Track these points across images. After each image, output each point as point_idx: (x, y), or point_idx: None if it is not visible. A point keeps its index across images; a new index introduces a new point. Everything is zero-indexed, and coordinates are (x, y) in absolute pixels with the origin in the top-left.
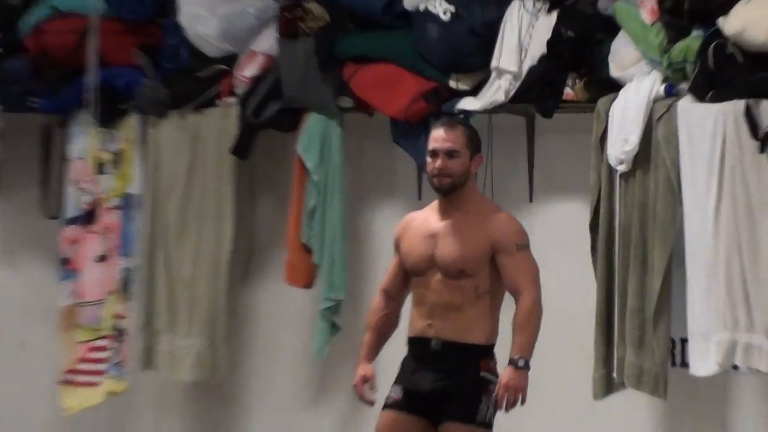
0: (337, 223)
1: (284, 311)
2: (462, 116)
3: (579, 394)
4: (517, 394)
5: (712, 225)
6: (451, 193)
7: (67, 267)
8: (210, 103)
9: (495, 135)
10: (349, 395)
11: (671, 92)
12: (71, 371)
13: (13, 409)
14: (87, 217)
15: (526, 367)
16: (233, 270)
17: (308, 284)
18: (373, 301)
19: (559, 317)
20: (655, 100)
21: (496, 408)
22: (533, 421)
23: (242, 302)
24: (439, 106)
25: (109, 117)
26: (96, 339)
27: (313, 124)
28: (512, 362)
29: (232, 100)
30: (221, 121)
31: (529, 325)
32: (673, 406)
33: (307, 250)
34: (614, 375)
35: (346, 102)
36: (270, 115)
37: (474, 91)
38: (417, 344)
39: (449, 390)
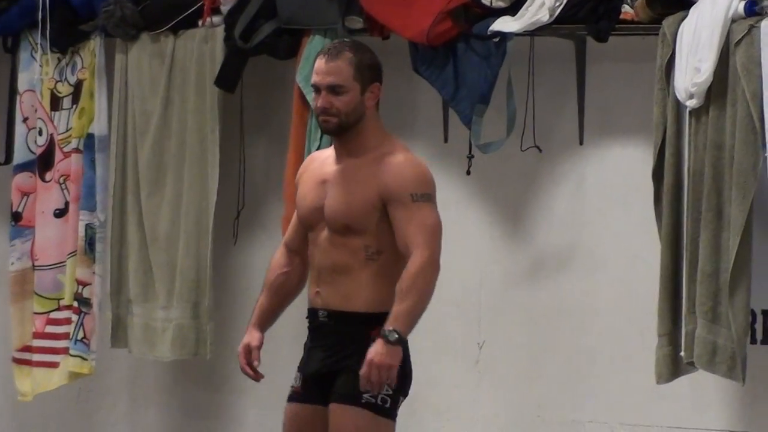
0: None
1: None
2: (496, 39)
3: (640, 375)
4: (383, 374)
5: None
6: (342, 134)
7: (18, 223)
8: (190, 24)
9: (537, 63)
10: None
11: (753, 10)
12: (26, 349)
13: None
14: (41, 163)
15: (400, 342)
16: (220, 227)
17: None
18: (273, 257)
19: (615, 283)
20: (734, 20)
21: (401, 390)
22: (588, 407)
23: (231, 266)
24: (468, 26)
25: (66, 40)
26: (54, 310)
27: (315, 49)
28: (382, 335)
29: (216, 19)
30: (203, 46)
31: (412, 292)
32: (753, 392)
33: None
34: (682, 353)
35: (356, 22)
36: (262, 38)
37: (512, 9)
38: (309, 316)
39: (338, 368)
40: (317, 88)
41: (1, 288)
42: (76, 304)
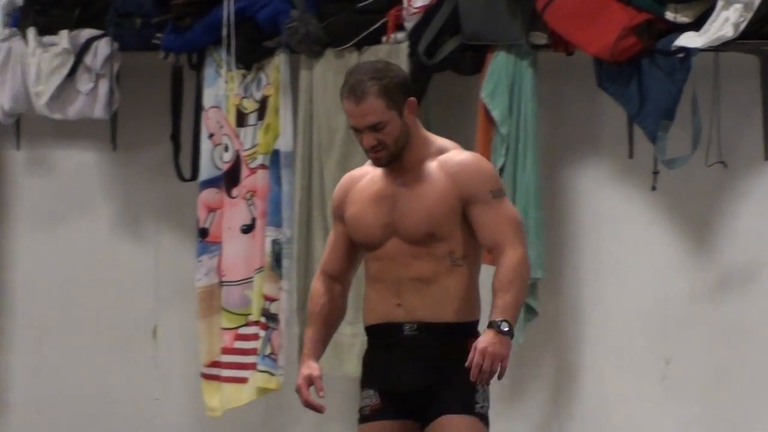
0: (532, 187)
1: None
2: (681, 55)
3: None
4: (495, 363)
5: None
6: (395, 160)
7: (205, 239)
8: (374, 40)
9: (722, 78)
10: (550, 394)
11: None
12: (214, 364)
13: (145, 408)
14: (228, 179)
15: (510, 333)
16: None
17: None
18: (312, 286)
19: None
20: None
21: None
22: None
23: None
24: (652, 42)
25: (251, 57)
26: (242, 326)
27: (499, 64)
28: (493, 325)
29: (400, 35)
30: None
31: (515, 284)
32: None
33: None
34: None
35: (540, 38)
36: (447, 54)
37: (696, 24)
38: (384, 332)
39: (437, 381)
40: (357, 130)
41: (189, 304)
42: (263, 319)
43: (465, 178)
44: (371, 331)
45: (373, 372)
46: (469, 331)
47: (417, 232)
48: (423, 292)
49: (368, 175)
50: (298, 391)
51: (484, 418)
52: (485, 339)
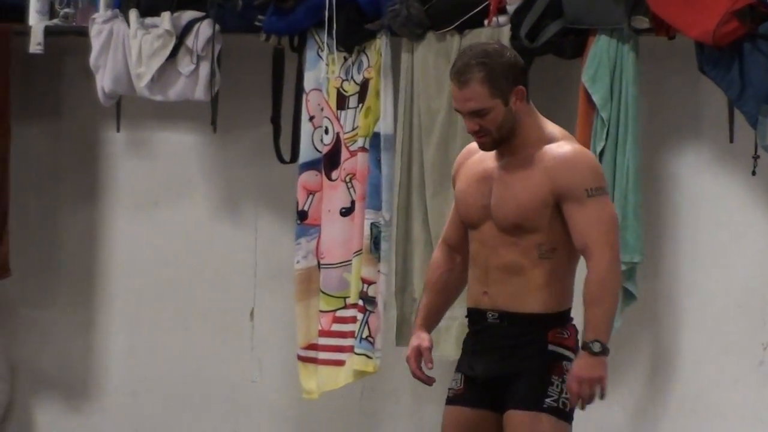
0: (632, 171)
1: None
2: None
3: None
4: (593, 387)
5: None
6: (502, 145)
7: (303, 222)
8: (476, 23)
9: None
10: (646, 378)
11: None
12: (311, 347)
13: (242, 390)
14: (328, 161)
15: (604, 351)
16: None
17: None
18: (433, 256)
19: None
20: None
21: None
22: None
23: None
24: (755, 27)
25: (352, 39)
26: (340, 308)
27: (601, 48)
28: (585, 347)
29: (502, 19)
30: None
31: (604, 298)
32: None
33: None
34: None
35: (642, 22)
36: (548, 37)
37: None
38: (473, 317)
39: (511, 372)
40: (460, 113)
41: (287, 286)
42: (361, 302)
43: (560, 173)
44: (468, 313)
45: (463, 356)
46: (554, 322)
47: (506, 220)
48: (507, 282)
49: (480, 151)
50: (408, 361)
51: (557, 412)
52: (579, 365)
